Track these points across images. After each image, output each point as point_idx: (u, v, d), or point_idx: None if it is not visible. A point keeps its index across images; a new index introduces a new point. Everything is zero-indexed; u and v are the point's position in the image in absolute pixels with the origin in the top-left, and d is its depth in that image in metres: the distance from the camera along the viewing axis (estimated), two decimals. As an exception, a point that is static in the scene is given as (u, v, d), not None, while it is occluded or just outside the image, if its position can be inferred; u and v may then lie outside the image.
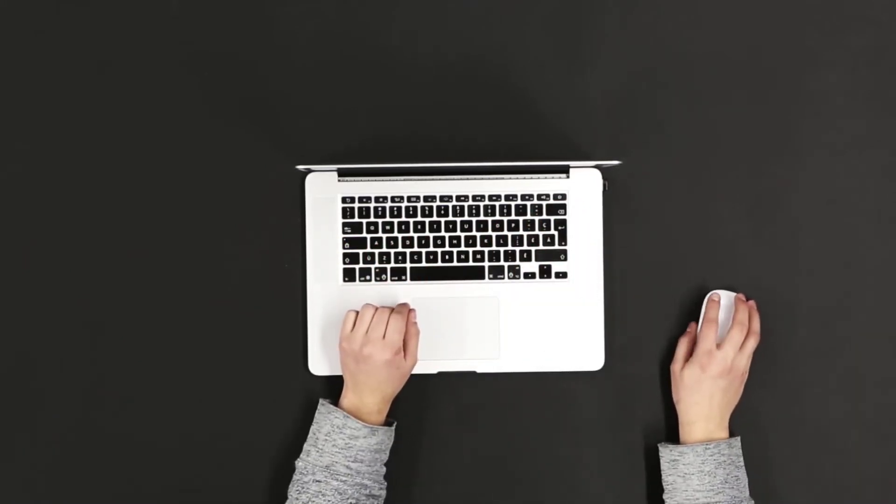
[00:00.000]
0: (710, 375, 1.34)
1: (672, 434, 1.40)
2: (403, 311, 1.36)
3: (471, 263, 1.41)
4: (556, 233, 1.41)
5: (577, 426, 1.43)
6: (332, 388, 1.41)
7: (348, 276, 1.41)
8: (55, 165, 1.44)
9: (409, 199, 1.41)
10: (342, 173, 1.40)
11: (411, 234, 1.41)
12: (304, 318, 1.42)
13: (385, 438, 1.34)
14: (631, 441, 1.43)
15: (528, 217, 1.41)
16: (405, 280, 1.41)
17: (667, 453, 1.36)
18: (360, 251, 1.41)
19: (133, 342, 1.43)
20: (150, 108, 1.44)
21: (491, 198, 1.41)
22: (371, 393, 1.34)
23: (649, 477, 1.42)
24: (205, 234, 1.43)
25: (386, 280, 1.41)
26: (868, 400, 1.43)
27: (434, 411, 1.43)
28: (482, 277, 1.41)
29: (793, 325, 1.43)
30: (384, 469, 1.35)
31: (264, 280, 1.43)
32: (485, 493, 1.43)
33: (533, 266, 1.41)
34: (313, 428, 1.34)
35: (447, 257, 1.41)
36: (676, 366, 1.38)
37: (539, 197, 1.41)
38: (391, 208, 1.41)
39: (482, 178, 1.40)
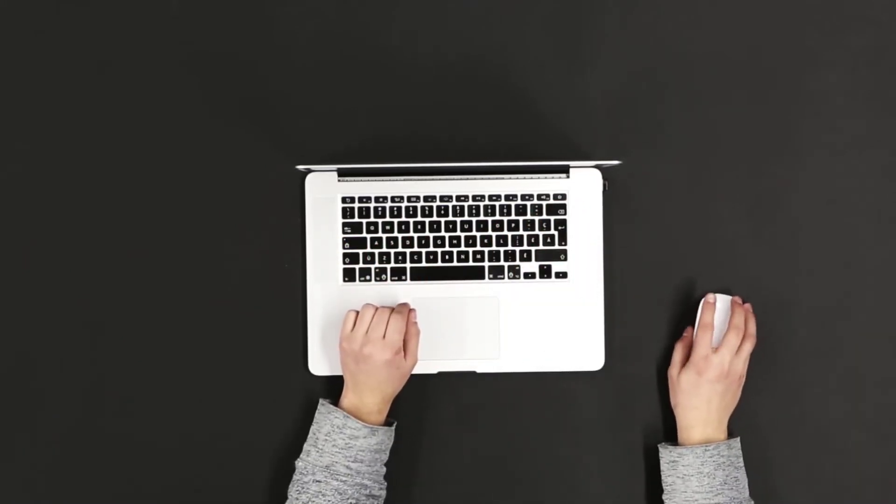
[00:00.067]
0: (707, 380, 1.34)
1: (672, 434, 1.40)
2: (404, 310, 1.36)
3: (471, 263, 1.41)
4: (556, 233, 1.41)
5: (577, 426, 1.43)
6: (332, 388, 1.41)
7: (348, 276, 1.41)
8: (55, 165, 1.44)
9: (409, 199, 1.41)
10: (342, 173, 1.40)
11: (411, 234, 1.41)
12: (304, 318, 1.42)
13: (385, 438, 1.34)
14: (631, 441, 1.43)
15: (528, 217, 1.41)
16: (405, 280, 1.41)
17: (666, 454, 1.36)
18: (360, 251, 1.41)
19: (133, 342, 1.43)
20: (150, 108, 1.44)
21: (491, 198, 1.41)
22: (371, 393, 1.34)
23: (649, 477, 1.42)
24: (205, 235, 1.43)
25: (386, 280, 1.41)
26: (868, 400, 1.43)
27: (434, 411, 1.43)
28: (482, 277, 1.41)
29: (792, 325, 1.43)
30: (384, 469, 1.35)
31: (264, 280, 1.43)
32: (485, 493, 1.43)
33: (533, 266, 1.41)
34: (313, 428, 1.34)
35: (447, 257, 1.41)
36: (673, 371, 1.38)
37: (539, 197, 1.41)
38: (391, 208, 1.41)
39: (482, 178, 1.40)
